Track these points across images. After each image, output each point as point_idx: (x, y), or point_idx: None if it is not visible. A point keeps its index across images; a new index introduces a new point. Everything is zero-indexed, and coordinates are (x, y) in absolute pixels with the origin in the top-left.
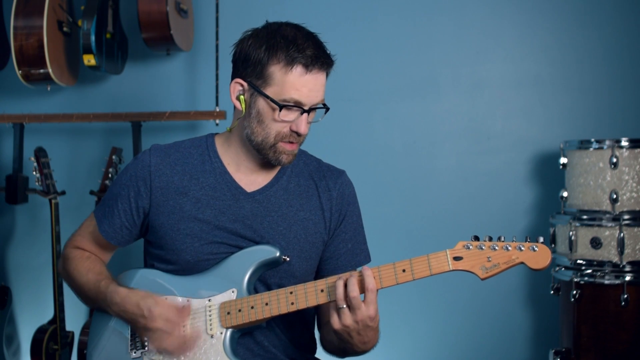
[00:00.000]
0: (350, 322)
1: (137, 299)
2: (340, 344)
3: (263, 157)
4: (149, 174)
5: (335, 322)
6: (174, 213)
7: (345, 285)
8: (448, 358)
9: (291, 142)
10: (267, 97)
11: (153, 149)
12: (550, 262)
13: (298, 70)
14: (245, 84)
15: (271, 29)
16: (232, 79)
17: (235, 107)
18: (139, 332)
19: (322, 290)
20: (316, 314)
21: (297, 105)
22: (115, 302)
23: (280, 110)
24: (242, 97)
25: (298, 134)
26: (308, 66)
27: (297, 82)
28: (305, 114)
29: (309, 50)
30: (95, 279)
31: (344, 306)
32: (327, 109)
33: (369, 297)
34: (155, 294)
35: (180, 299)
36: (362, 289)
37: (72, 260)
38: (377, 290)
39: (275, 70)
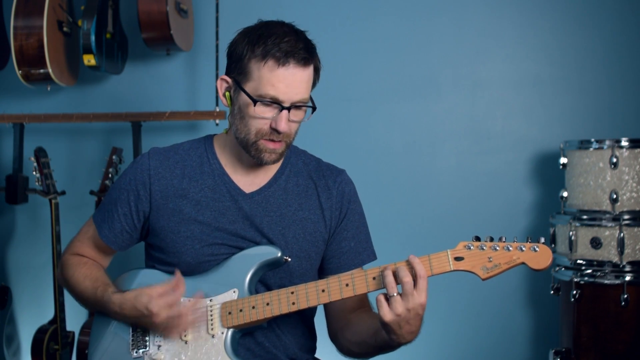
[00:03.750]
0: (402, 310)
1: (132, 302)
2: (379, 340)
3: (248, 154)
4: (149, 178)
5: (386, 312)
6: (174, 216)
7: (394, 273)
8: (448, 358)
9: (272, 140)
10: (244, 92)
11: (152, 152)
12: (551, 263)
13: (270, 63)
14: (230, 80)
15: (258, 25)
16: None
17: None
18: (153, 331)
19: (323, 290)
20: (327, 323)
21: (275, 102)
22: (114, 311)
23: (255, 105)
24: (227, 93)
25: (278, 132)
26: (280, 59)
27: (272, 77)
28: (284, 111)
29: (285, 44)
30: (92, 286)
31: (395, 294)
32: (314, 109)
33: (421, 284)
34: (145, 287)
35: (181, 299)
36: (398, 280)
37: (70, 267)
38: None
39: (252, 65)
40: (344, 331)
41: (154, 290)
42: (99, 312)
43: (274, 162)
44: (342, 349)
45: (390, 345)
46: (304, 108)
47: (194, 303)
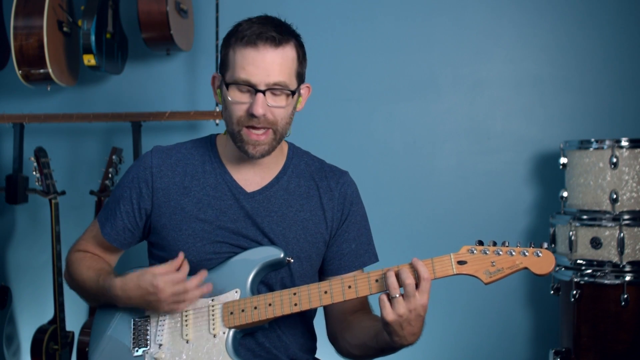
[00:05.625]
0: (404, 310)
1: (135, 282)
2: (381, 341)
3: (238, 149)
4: (151, 175)
5: (388, 312)
6: (175, 214)
7: (397, 275)
8: (448, 358)
9: (254, 128)
10: (223, 81)
11: (154, 150)
12: (553, 268)
13: (240, 47)
14: (219, 77)
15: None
16: None
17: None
18: (156, 309)
19: (325, 292)
20: (327, 325)
21: (247, 84)
22: (118, 295)
23: (227, 89)
24: (219, 91)
25: (254, 116)
26: (249, 41)
27: (242, 60)
28: (259, 94)
29: (256, 28)
30: (95, 275)
31: (397, 295)
32: (293, 93)
33: (424, 286)
34: (148, 267)
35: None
36: (400, 282)
37: (74, 262)
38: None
39: (230, 54)
40: (344, 332)
41: (157, 269)
42: (102, 305)
43: (262, 155)
44: (341, 350)
45: (392, 347)
46: (284, 93)
47: (199, 278)
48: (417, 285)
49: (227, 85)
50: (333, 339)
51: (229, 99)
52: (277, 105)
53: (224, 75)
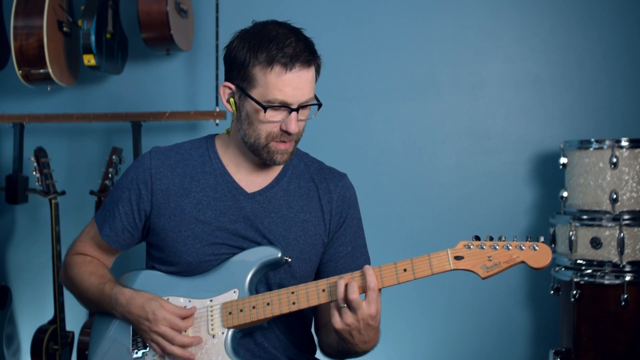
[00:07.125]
0: (352, 320)
1: (143, 301)
2: (340, 344)
3: (258, 157)
4: (150, 177)
5: (336, 321)
6: (175, 215)
7: (346, 286)
8: (448, 358)
9: (283, 142)
10: (252, 99)
11: (153, 151)
12: (550, 262)
13: (277, 69)
14: (233, 86)
15: (255, 29)
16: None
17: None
18: (141, 334)
19: (323, 290)
20: (314, 316)
21: (284, 105)
22: (120, 303)
23: (265, 112)
24: (232, 99)
25: (288, 133)
26: (287, 65)
27: (279, 82)
28: (294, 113)
29: (288, 48)
30: (99, 281)
31: (345, 305)
32: (320, 105)
33: (371, 296)
34: (160, 297)
35: (182, 299)
36: (363, 289)
37: (74, 265)
38: (379, 289)
39: (257, 72)
40: (321, 330)
41: (167, 304)
42: (99, 311)
43: (286, 161)
44: (319, 346)
45: (348, 352)
46: (309, 106)
47: (191, 341)
48: (366, 295)
49: (263, 106)
50: (317, 332)
51: (265, 118)
52: (305, 118)
53: (247, 89)
